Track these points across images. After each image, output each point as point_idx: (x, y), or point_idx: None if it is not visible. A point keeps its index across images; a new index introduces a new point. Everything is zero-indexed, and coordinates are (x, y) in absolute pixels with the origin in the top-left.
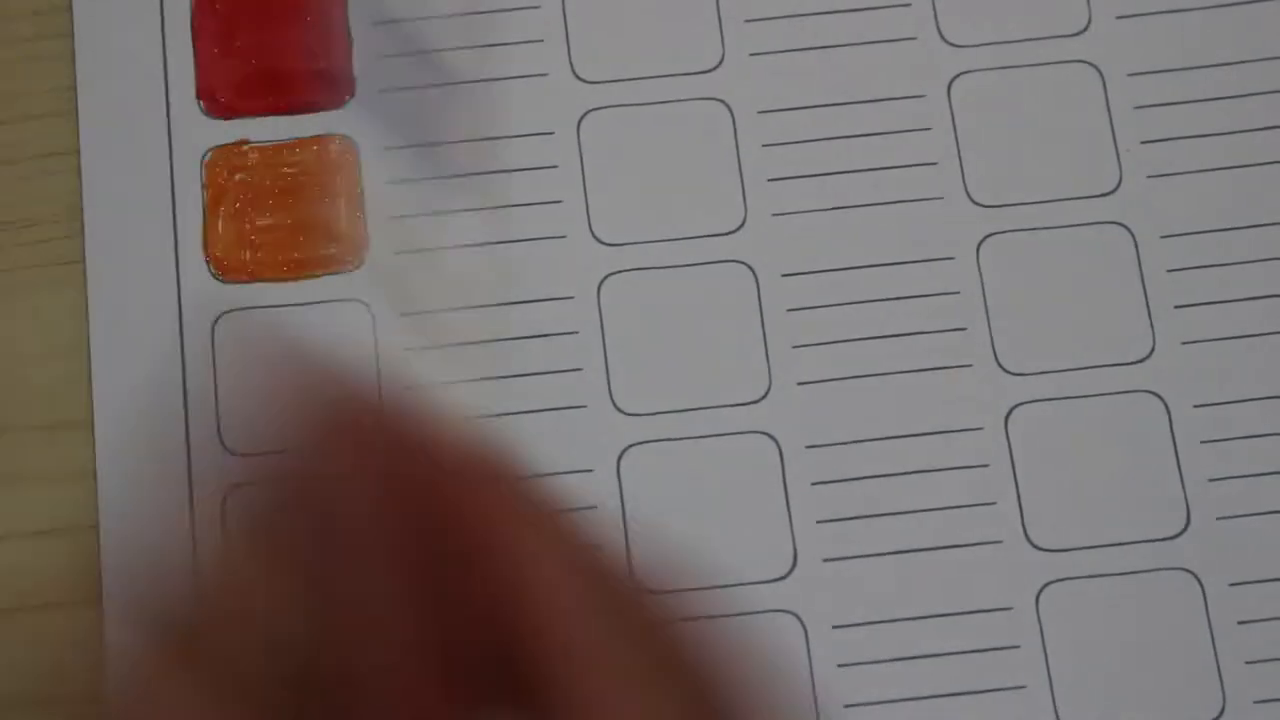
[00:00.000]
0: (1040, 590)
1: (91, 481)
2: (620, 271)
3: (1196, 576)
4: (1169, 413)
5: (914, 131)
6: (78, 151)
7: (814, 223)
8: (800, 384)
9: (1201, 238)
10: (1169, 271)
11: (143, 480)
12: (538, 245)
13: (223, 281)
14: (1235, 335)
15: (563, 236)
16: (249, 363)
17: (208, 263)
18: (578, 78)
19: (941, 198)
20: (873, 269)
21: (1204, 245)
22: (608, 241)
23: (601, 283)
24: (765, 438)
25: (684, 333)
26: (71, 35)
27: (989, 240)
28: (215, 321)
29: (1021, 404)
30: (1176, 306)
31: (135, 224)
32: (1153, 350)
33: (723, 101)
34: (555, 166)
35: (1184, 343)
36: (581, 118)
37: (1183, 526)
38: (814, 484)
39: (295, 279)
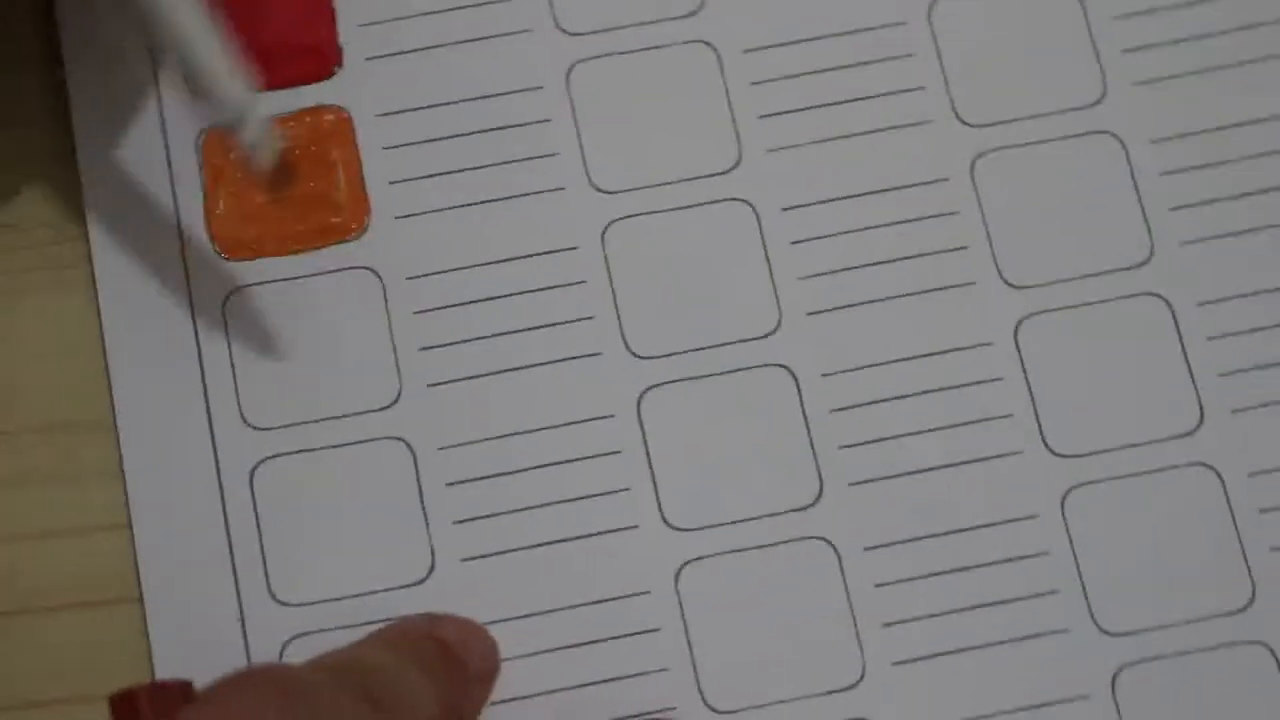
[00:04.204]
0: (1064, 496)
1: (114, 480)
2: (623, 218)
3: (1215, 470)
4: (1174, 313)
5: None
6: (72, 152)
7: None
8: (810, 314)
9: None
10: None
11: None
12: (538, 199)
13: (228, 259)
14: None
15: (561, 189)
16: None
17: (212, 242)
18: (562, 30)
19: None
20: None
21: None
22: (607, 189)
23: (605, 230)
24: (781, 370)
25: (690, 273)
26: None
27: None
28: (226, 299)
29: (1030, 315)
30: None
31: (137, 211)
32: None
33: (707, 43)
34: (548, 120)
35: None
36: (570, 69)
37: (1197, 422)
38: (832, 411)
39: (301, 252)
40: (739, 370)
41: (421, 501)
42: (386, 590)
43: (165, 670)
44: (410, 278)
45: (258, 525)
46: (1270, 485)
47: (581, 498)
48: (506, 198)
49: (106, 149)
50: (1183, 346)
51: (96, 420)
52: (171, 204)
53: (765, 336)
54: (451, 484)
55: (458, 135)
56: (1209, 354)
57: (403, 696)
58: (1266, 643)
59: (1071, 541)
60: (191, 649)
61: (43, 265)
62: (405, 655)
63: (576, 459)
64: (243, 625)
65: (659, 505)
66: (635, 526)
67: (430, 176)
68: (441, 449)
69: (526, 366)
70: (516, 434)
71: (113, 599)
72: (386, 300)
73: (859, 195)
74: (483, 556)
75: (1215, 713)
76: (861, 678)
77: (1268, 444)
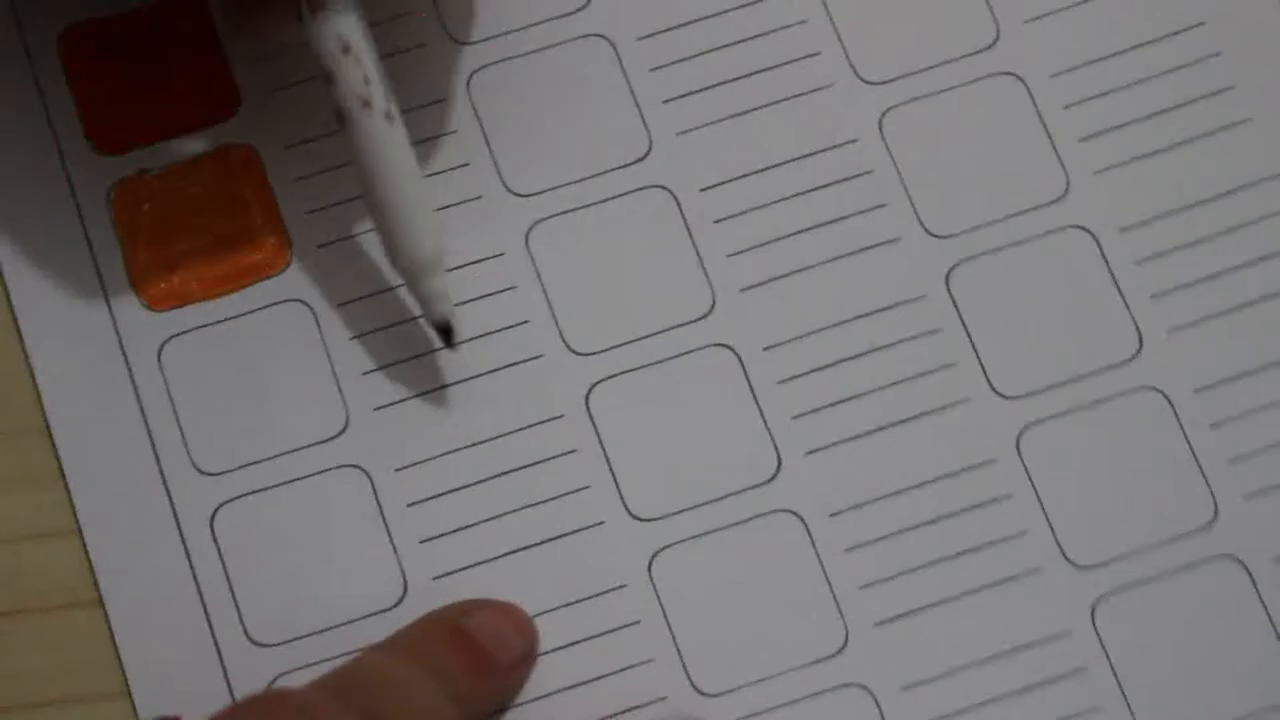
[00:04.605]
0: (1018, 436)
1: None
2: (545, 219)
3: (1161, 391)
4: (1098, 243)
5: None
6: None
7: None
8: (743, 290)
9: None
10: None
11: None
12: (457, 210)
13: (156, 311)
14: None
15: (478, 197)
16: None
17: (137, 296)
18: (454, 39)
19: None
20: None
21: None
22: (524, 193)
23: (529, 231)
24: (722, 349)
25: (618, 265)
26: None
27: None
28: (159, 351)
29: (958, 263)
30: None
31: (57, 275)
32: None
33: (602, 36)
34: (455, 131)
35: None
36: (470, 76)
37: (1137, 346)
38: (779, 382)
39: (227, 293)
40: (681, 355)
41: (385, 525)
42: (363, 618)
43: None
44: (341, 304)
45: (225, 571)
46: (1217, 399)
47: (544, 501)
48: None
49: (14, 214)
50: (1112, 275)
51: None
52: (91, 263)
53: (702, 318)
54: (412, 504)
55: None
56: (1139, 278)
57: (414, 710)
58: (1235, 555)
59: (1031, 481)
60: (176, 708)
61: None
62: (422, 660)
63: (533, 463)
64: (225, 673)
65: (622, 499)
66: (601, 523)
67: (347, 201)
68: (398, 470)
69: (470, 378)
70: (470, 446)
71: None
72: (321, 330)
73: (771, 168)
74: (454, 572)
75: (1195, 630)
76: (846, 643)
77: (1207, 358)
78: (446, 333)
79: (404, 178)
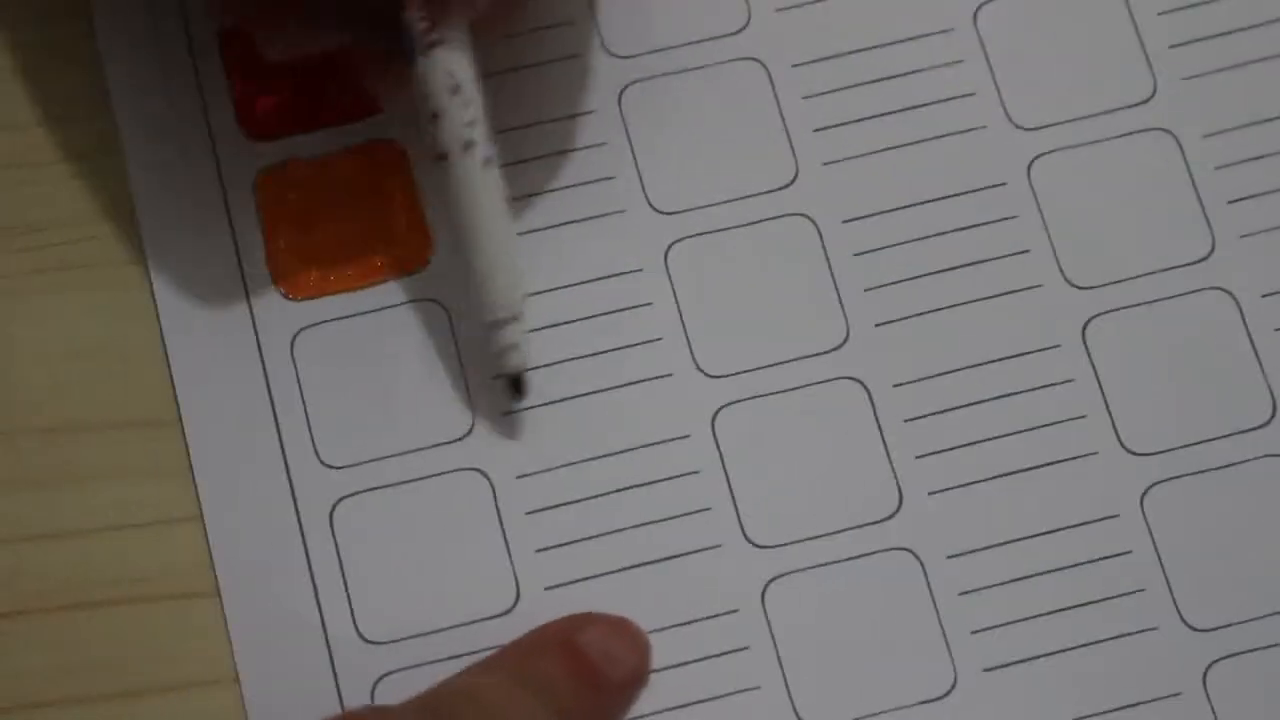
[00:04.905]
0: (1143, 494)
1: (185, 477)
2: (684, 238)
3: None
4: (1238, 305)
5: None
6: (132, 195)
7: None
8: (878, 325)
9: None
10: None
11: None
12: (599, 223)
13: (293, 300)
14: None
15: (621, 211)
16: None
17: (275, 284)
18: (610, 52)
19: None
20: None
21: None
22: (667, 210)
23: (667, 251)
24: (853, 382)
25: (754, 290)
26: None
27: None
28: (293, 340)
29: (1097, 315)
30: None
31: (197, 257)
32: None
33: (756, 60)
34: (603, 144)
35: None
36: (621, 90)
37: (1271, 414)
38: (906, 421)
39: (365, 287)
40: (811, 384)
41: (503, 531)
42: (472, 623)
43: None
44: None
45: (340, 565)
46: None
47: (662, 520)
48: (560, 224)
49: (163, 197)
50: (1250, 338)
51: (171, 468)
52: (233, 247)
53: (834, 350)
54: (531, 512)
55: (517, 162)
56: (1276, 344)
57: None
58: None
59: (1154, 539)
60: (284, 700)
61: (99, 264)
62: (528, 676)
63: (655, 481)
64: (332, 667)
65: (741, 523)
66: (718, 546)
67: None
68: (519, 477)
69: (598, 391)
70: (593, 459)
71: (118, 599)
72: (454, 332)
73: (915, 205)
74: (567, 584)
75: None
76: (953, 686)
77: None
78: (517, 385)
79: (492, 226)
